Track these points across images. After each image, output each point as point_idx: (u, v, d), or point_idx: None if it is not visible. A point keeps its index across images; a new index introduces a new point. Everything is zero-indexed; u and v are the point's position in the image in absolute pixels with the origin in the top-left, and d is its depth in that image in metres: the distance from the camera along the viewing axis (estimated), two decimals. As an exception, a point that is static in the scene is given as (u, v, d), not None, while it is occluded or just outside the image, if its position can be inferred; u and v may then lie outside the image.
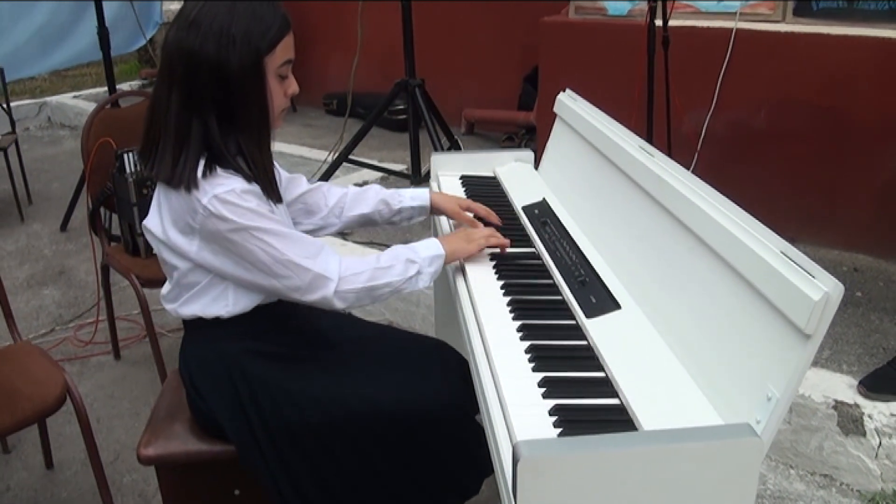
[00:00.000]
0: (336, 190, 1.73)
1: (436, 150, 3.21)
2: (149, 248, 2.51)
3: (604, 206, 1.66)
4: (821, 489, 2.05)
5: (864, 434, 2.01)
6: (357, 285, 1.40)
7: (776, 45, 2.90)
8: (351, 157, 3.44)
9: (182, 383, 1.56)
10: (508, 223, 1.80)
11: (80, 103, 5.99)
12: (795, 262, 0.98)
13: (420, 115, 3.23)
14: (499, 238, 1.60)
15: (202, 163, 1.33)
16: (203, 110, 1.33)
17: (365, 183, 4.02)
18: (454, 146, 3.56)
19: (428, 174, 2.20)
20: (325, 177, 3.42)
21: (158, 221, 1.41)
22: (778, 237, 1.04)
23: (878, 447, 1.99)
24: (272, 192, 1.40)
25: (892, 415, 1.98)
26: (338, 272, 1.39)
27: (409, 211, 1.74)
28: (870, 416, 2.00)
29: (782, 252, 1.01)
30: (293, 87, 1.41)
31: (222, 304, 1.43)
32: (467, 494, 1.54)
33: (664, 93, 2.59)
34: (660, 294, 1.31)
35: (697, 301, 1.20)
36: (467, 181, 2.09)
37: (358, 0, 3.37)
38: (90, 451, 1.84)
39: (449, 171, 2.15)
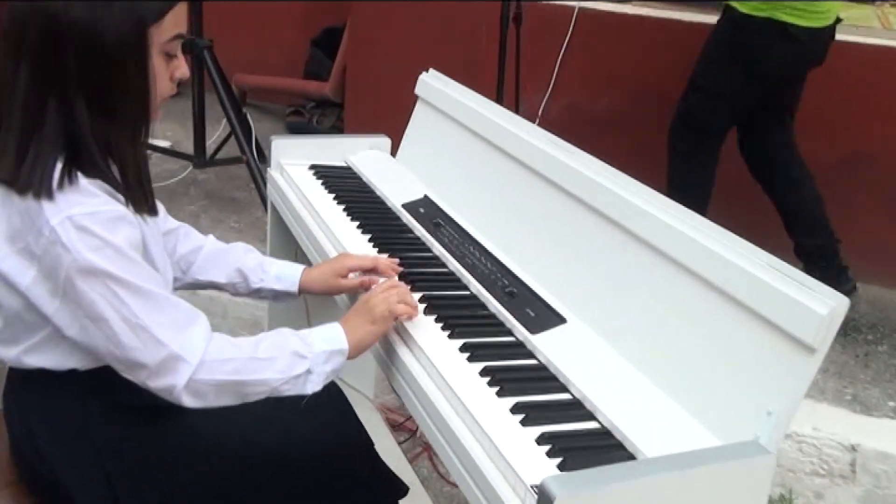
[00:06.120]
0: (193, 238, 1.60)
1: (231, 124, 3.14)
2: None
3: (503, 204, 1.72)
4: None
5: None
6: (219, 376, 1.24)
7: (620, 26, 3.18)
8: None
9: (8, 433, 1.40)
10: (392, 226, 1.81)
11: None
12: (792, 278, 1.14)
13: (213, 83, 3.11)
14: (406, 303, 1.41)
15: (60, 164, 1.18)
16: (64, 91, 1.19)
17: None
18: (243, 122, 3.47)
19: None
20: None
21: None
22: (761, 250, 1.21)
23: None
24: (146, 201, 1.29)
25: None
26: (201, 355, 1.23)
27: (270, 292, 1.60)
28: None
29: (770, 265, 1.17)
30: (182, 69, 1.31)
31: (78, 357, 1.29)
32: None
33: (514, 73, 2.76)
34: (606, 307, 1.39)
35: (655, 314, 1.31)
36: (322, 173, 2.04)
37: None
38: None
39: (295, 160, 2.09)
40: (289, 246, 2.09)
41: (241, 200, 3.47)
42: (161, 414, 1.36)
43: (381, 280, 1.53)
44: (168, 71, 1.30)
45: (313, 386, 1.32)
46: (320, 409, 1.48)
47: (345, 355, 1.34)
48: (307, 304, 2.06)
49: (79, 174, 1.20)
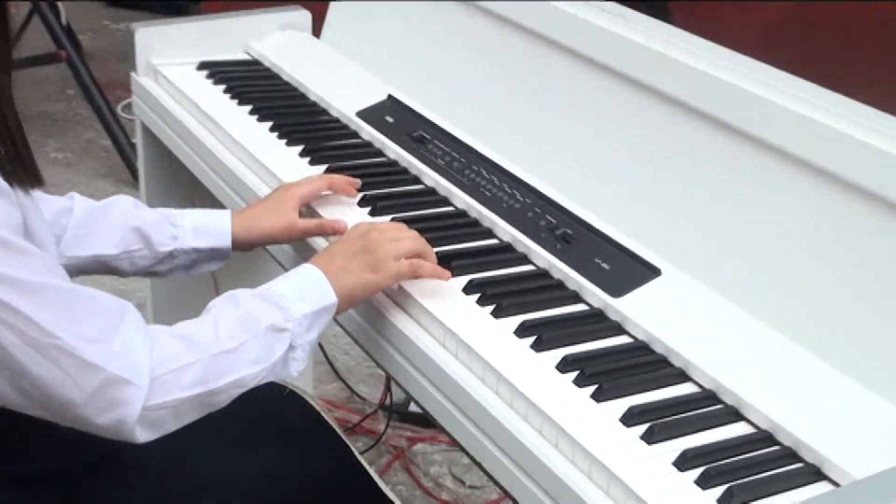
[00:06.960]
0: (51, 201, 1.51)
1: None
2: None
3: (513, 96, 1.68)
4: None
5: None
6: (178, 394, 1.20)
7: None
8: None
9: None
10: (352, 147, 1.71)
11: None
12: None
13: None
14: (428, 255, 1.40)
15: None
16: None
17: None
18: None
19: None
20: None
21: None
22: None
23: None
24: (23, 168, 1.23)
25: None
26: (149, 369, 1.18)
27: (187, 256, 1.54)
28: None
29: None
30: None
31: None
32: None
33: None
34: (719, 247, 1.35)
35: (808, 255, 1.26)
36: (221, 75, 1.93)
37: None
38: None
39: (172, 58, 1.99)
40: (175, 194, 2.02)
41: (59, 116, 3.32)
42: (58, 487, 1.36)
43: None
44: None
45: (298, 365, 1.31)
46: (292, 435, 1.56)
47: (332, 313, 1.32)
48: (214, 275, 1.95)
49: None
